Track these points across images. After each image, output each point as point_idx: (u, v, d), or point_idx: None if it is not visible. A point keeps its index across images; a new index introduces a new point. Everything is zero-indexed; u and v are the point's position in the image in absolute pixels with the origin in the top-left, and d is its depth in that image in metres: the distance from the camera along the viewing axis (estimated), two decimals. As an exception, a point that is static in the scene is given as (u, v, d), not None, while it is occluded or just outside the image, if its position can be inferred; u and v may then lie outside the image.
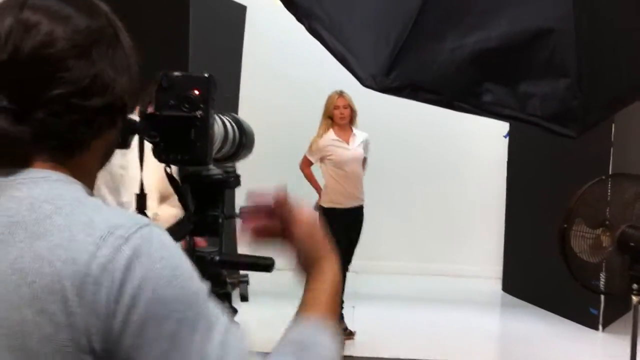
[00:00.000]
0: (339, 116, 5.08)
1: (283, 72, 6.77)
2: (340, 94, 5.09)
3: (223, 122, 1.37)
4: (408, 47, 2.21)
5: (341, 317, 5.25)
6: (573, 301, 5.44)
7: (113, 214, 0.87)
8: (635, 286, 2.94)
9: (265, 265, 1.46)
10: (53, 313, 0.79)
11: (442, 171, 7.31)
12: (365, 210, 5.31)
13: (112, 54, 0.92)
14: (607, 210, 3.06)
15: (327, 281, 1.11)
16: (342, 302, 5.23)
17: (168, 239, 0.87)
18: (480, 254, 7.32)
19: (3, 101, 0.85)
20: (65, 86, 0.86)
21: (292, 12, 2.33)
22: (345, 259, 5.15)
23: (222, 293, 1.45)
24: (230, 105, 5.88)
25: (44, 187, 0.86)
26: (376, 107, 5.41)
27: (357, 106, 5.22)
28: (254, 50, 6.56)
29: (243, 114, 3.57)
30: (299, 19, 2.32)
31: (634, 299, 2.96)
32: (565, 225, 3.07)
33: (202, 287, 0.88)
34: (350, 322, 5.28)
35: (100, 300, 0.79)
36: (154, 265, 0.81)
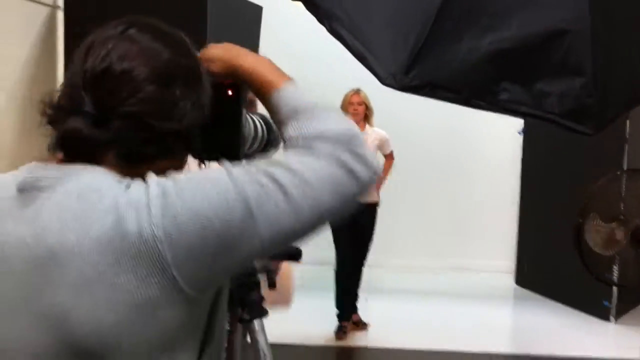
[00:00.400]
0: (352, 112, 5.13)
1: (299, 73, 6.76)
2: (357, 91, 5.14)
3: (253, 121, 1.45)
4: (427, 47, 2.28)
5: (355, 310, 5.35)
6: (586, 293, 5.50)
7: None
8: (648, 279, 3.01)
9: (294, 254, 1.55)
10: None
11: (455, 167, 7.38)
12: (379, 207, 5.35)
13: (192, 91, 1.06)
14: (622, 204, 3.14)
15: (261, 62, 1.19)
16: (357, 295, 5.31)
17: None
18: (493, 247, 7.38)
19: (88, 106, 0.98)
20: (142, 106, 0.99)
21: (313, 13, 2.40)
22: (359, 256, 5.24)
23: (252, 282, 1.54)
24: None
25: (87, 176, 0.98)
26: (390, 106, 5.46)
27: (373, 105, 5.27)
28: (270, 50, 6.62)
29: (262, 112, 3.63)
30: (320, 20, 2.39)
31: (647, 291, 3.04)
32: (581, 220, 3.14)
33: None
34: (363, 314, 5.37)
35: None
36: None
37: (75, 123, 0.97)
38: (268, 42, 6.50)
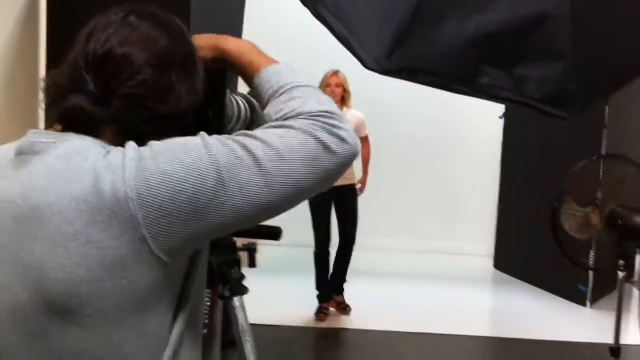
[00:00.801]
0: (329, 94, 5.13)
1: (283, 58, 6.78)
2: (335, 72, 5.14)
3: (236, 101, 1.47)
4: (409, 30, 2.30)
5: (341, 292, 5.39)
6: (562, 278, 5.59)
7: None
8: (621, 262, 3.07)
9: (273, 233, 1.58)
10: None
11: (436, 150, 7.43)
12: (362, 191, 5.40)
13: (188, 76, 1.12)
14: (598, 189, 3.19)
15: (244, 45, 1.26)
16: (344, 278, 5.36)
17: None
18: (472, 232, 7.47)
19: (90, 85, 1.04)
20: (141, 88, 1.05)
21: (298, -4, 2.41)
22: (346, 239, 5.27)
23: (232, 259, 1.56)
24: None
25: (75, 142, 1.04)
26: (373, 89, 5.47)
27: (354, 88, 5.27)
28: (254, 37, 6.58)
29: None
30: (305, 3, 2.40)
31: (620, 274, 3.10)
32: (557, 204, 3.19)
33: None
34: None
35: None
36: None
37: (77, 100, 1.04)
38: (252, 27, 6.50)
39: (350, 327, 5.12)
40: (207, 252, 1.17)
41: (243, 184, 1.01)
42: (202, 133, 1.07)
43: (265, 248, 7.18)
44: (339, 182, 5.30)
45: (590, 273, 5.45)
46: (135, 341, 1.02)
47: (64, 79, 1.07)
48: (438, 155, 7.44)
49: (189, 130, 1.20)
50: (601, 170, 3.18)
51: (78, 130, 1.05)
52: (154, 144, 1.03)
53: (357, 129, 5.26)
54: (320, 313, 5.19)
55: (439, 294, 6.02)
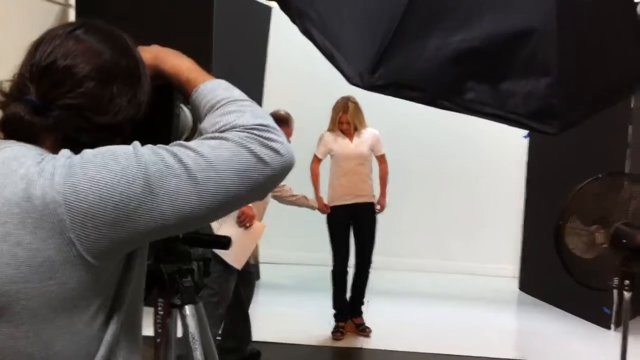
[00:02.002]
0: (343, 129, 5.23)
1: (308, 72, 6.83)
2: (345, 109, 5.16)
3: (192, 113, 1.50)
4: (393, 46, 2.30)
5: (359, 313, 5.34)
6: (587, 300, 5.46)
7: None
8: (627, 282, 2.99)
9: (223, 242, 1.60)
10: None
11: (460, 170, 7.37)
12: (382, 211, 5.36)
13: (129, 89, 1.16)
14: (602, 207, 3.12)
15: (182, 64, 1.28)
16: (363, 298, 5.32)
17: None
18: (497, 252, 7.36)
19: (32, 95, 1.09)
20: (81, 100, 1.09)
21: (286, 12, 2.44)
22: (363, 259, 5.24)
23: (185, 269, 1.59)
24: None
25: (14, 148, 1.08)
26: (397, 106, 5.45)
27: (377, 104, 5.25)
28: (280, 49, 6.68)
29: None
30: (293, 20, 2.43)
31: (626, 294, 3.02)
32: (560, 222, 3.14)
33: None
34: (364, 315, 5.37)
35: None
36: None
37: (17, 109, 1.09)
38: (278, 41, 6.58)
39: (368, 347, 5.08)
40: (144, 259, 1.20)
41: (171, 191, 1.04)
42: (136, 142, 1.10)
43: (286, 267, 7.22)
44: (356, 199, 5.28)
45: (615, 295, 5.31)
46: (65, 340, 1.05)
47: (11, 88, 1.13)
48: (462, 175, 7.37)
49: (131, 140, 1.24)
50: (605, 189, 3.11)
51: (19, 137, 1.10)
52: (85, 152, 1.06)
53: (373, 146, 5.26)
54: (337, 332, 5.16)
55: (463, 314, 5.94)
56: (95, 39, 1.15)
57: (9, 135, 1.11)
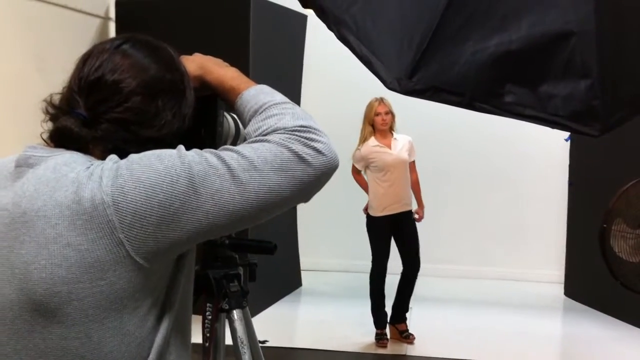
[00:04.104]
0: (380, 122, 5.13)
1: (344, 80, 6.86)
2: (381, 100, 5.12)
3: (234, 120, 1.54)
4: (430, 50, 2.30)
5: (404, 319, 5.31)
6: (635, 305, 5.34)
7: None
8: (673, 287, 2.94)
9: (269, 248, 1.63)
10: None
11: (502, 174, 7.30)
12: (424, 214, 5.35)
13: (175, 103, 1.20)
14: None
15: (225, 73, 1.32)
16: (408, 306, 5.29)
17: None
18: (541, 258, 7.26)
19: (80, 109, 1.13)
20: (128, 114, 1.13)
21: (323, 20, 2.46)
22: (410, 267, 5.21)
23: (232, 274, 1.62)
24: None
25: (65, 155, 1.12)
26: (437, 112, 5.45)
27: (416, 110, 5.25)
28: (316, 58, 6.72)
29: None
30: (329, 27, 2.45)
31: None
32: (605, 225, 3.10)
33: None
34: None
35: None
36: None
37: (67, 122, 1.13)
38: (314, 49, 6.62)
39: (411, 354, 5.05)
40: (192, 265, 1.23)
41: (215, 190, 1.07)
42: (180, 146, 1.13)
43: (327, 274, 7.23)
44: (397, 209, 5.24)
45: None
46: (115, 341, 1.08)
47: (60, 101, 1.17)
48: (504, 179, 7.30)
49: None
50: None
51: (69, 148, 1.14)
52: (131, 156, 1.10)
53: (410, 152, 5.25)
54: (382, 339, 5.15)
55: (507, 320, 5.88)
56: (141, 53, 1.19)
57: (60, 146, 1.15)
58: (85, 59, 1.18)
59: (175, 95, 1.21)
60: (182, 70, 1.25)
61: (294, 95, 6.27)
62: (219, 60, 1.37)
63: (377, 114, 5.14)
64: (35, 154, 1.13)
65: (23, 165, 1.13)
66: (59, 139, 1.15)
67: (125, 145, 1.14)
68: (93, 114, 1.13)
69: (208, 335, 1.59)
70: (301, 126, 1.16)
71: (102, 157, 1.13)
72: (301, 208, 6.18)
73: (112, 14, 5.61)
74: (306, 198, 1.17)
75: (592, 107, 2.27)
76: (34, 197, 1.07)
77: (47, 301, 1.05)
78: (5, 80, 4.37)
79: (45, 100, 1.18)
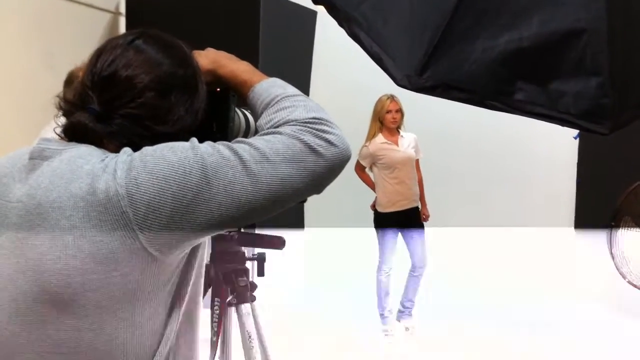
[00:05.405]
0: (390, 120, 5.13)
1: (353, 77, 6.85)
2: (392, 98, 5.11)
3: (244, 115, 1.55)
4: (441, 47, 2.30)
5: (410, 315, 5.34)
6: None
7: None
8: (681, 284, 2.94)
9: (277, 243, 1.64)
10: None
11: (509, 173, 7.27)
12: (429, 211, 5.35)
13: (188, 99, 1.21)
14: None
15: (238, 67, 1.33)
16: (414, 302, 5.30)
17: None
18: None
19: (94, 104, 1.14)
20: (141, 109, 1.14)
21: (334, 16, 2.47)
22: (417, 263, 5.22)
23: (240, 268, 1.63)
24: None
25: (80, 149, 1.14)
26: (444, 110, 5.44)
27: (423, 109, 5.24)
28: (325, 53, 6.71)
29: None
30: (340, 24, 2.45)
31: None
32: (613, 224, 3.10)
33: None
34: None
35: None
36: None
37: (81, 117, 1.14)
38: (323, 45, 6.62)
39: (417, 350, 5.05)
40: (203, 260, 1.24)
41: (228, 182, 1.08)
42: (193, 138, 1.14)
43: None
44: (406, 205, 5.26)
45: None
46: (127, 333, 1.09)
47: (75, 96, 1.18)
48: (511, 178, 7.28)
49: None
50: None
51: (83, 141, 1.16)
52: (145, 148, 1.11)
53: (416, 149, 5.26)
54: (386, 335, 5.16)
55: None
56: (154, 49, 1.20)
57: (74, 140, 1.17)
58: (98, 55, 1.19)
59: (188, 91, 1.22)
60: (194, 66, 1.26)
61: (303, 91, 6.21)
62: (231, 55, 1.39)
63: (389, 112, 5.14)
64: (50, 146, 1.15)
65: (37, 157, 1.14)
66: (73, 134, 1.16)
67: (139, 140, 1.15)
68: (107, 109, 1.14)
69: (216, 329, 1.60)
70: (313, 118, 1.17)
71: (117, 152, 1.14)
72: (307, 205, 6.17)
73: (123, 8, 5.61)
74: (318, 189, 1.17)
75: (602, 105, 2.27)
76: (49, 189, 1.08)
77: (61, 292, 1.06)
78: (15, 75, 4.39)
79: (58, 96, 1.20)
